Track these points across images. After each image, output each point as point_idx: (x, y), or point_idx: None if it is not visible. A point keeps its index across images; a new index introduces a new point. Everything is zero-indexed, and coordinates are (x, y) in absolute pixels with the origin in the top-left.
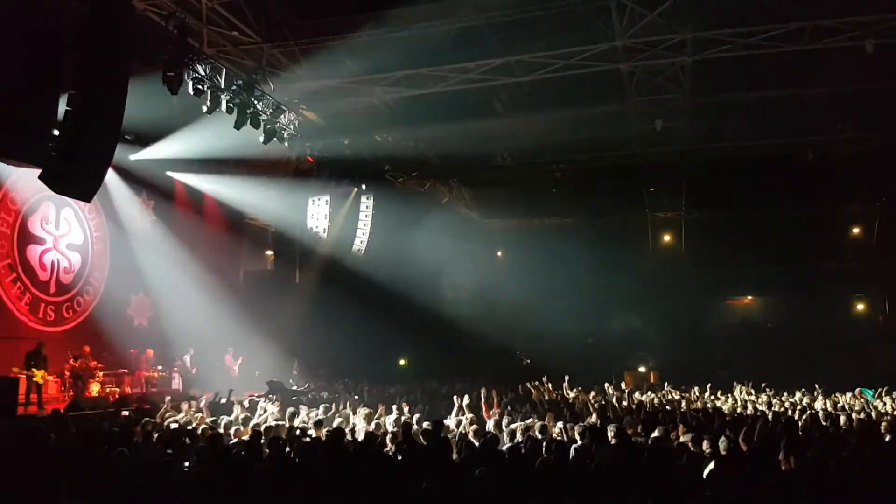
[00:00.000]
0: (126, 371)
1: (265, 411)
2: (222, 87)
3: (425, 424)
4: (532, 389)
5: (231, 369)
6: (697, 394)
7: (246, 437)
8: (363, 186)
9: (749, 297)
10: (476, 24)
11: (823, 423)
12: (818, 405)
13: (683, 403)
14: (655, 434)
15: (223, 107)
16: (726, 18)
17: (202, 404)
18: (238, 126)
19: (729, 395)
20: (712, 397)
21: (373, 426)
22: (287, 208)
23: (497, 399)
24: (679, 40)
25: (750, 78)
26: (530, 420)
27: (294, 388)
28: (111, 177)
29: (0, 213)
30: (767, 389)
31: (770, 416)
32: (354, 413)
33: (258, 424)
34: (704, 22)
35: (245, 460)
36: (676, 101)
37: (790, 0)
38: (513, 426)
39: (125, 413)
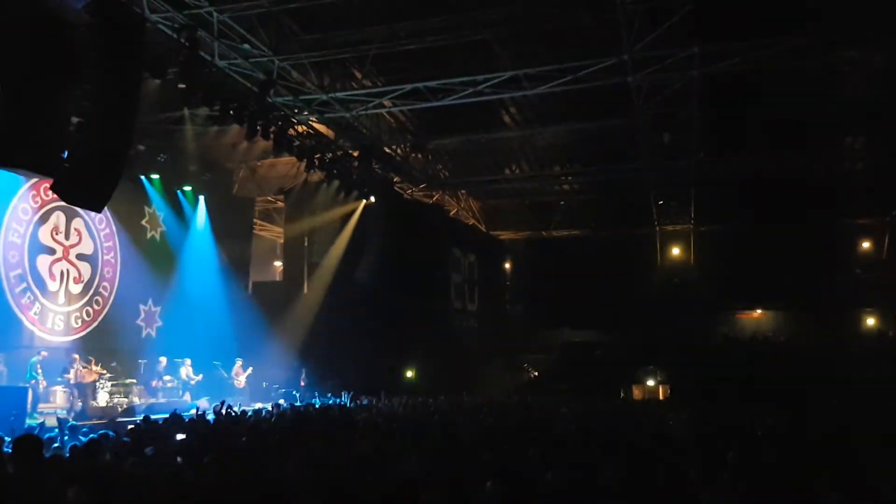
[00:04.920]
0: (135, 381)
1: None
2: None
3: None
4: None
5: (237, 380)
6: None
7: None
8: (371, 198)
9: (759, 311)
10: (484, 37)
11: None
12: None
13: None
14: None
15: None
16: (735, 32)
17: None
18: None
19: None
20: None
21: None
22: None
23: None
24: (687, 54)
25: (758, 91)
26: None
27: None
28: (122, 187)
29: (12, 223)
30: None
31: None
32: None
33: None
34: (713, 36)
35: None
36: (684, 114)
37: (799, 14)
38: None
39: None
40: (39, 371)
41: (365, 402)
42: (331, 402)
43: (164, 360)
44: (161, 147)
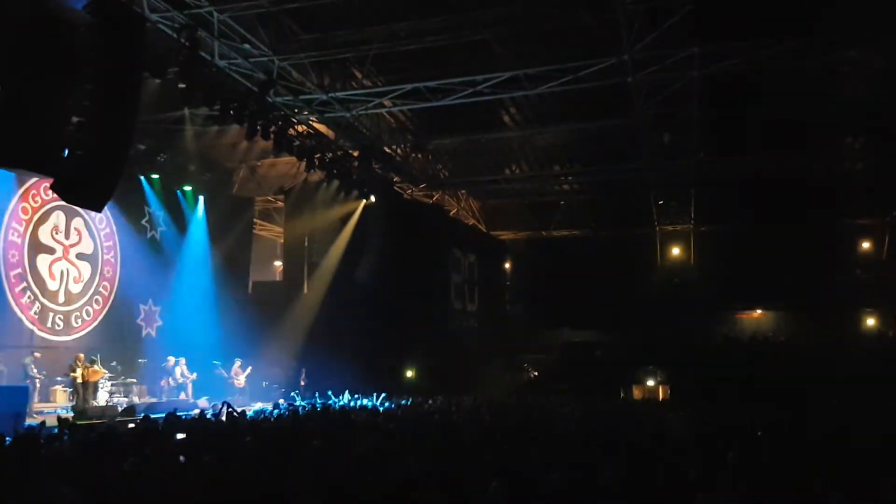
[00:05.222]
0: (135, 380)
1: None
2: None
3: None
4: None
5: (237, 379)
6: None
7: None
8: (371, 198)
9: (759, 311)
10: (484, 37)
11: None
12: None
13: None
14: None
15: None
16: (735, 32)
17: None
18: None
19: None
20: None
21: None
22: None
23: None
24: (687, 54)
25: (758, 91)
26: None
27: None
28: (122, 187)
29: (12, 222)
30: None
31: None
32: None
33: None
34: (713, 36)
35: None
36: (684, 114)
37: (799, 14)
38: None
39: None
40: (34, 371)
41: (366, 402)
42: (338, 403)
43: (171, 359)
44: (161, 147)
